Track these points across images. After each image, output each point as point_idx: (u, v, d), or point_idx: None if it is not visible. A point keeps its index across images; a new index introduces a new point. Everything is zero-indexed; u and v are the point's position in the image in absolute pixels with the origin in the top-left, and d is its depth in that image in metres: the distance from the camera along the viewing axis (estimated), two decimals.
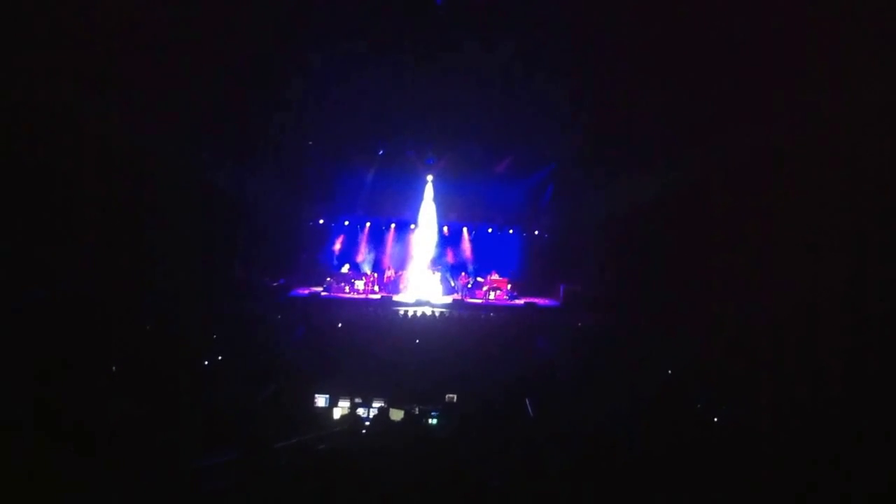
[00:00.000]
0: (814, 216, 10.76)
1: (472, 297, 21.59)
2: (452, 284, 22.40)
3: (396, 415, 7.49)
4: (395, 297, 20.90)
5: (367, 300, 20.60)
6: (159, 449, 5.78)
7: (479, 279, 22.56)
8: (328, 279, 21.88)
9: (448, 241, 24.02)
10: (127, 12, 11.39)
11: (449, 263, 23.46)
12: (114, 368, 8.86)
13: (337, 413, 8.14)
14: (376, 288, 22.08)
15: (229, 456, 5.78)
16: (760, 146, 12.09)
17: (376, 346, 11.51)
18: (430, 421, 7.74)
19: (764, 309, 11.49)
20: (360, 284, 21.74)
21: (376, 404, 8.00)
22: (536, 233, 24.29)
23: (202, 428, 6.62)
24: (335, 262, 23.26)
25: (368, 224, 24.17)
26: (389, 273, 22.86)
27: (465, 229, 24.27)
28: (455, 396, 8.51)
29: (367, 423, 7.66)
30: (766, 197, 12.07)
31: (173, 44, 12.43)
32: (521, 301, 21.04)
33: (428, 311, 18.00)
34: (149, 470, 5.37)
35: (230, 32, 12.79)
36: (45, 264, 12.31)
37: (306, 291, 21.12)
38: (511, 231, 24.44)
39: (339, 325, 14.34)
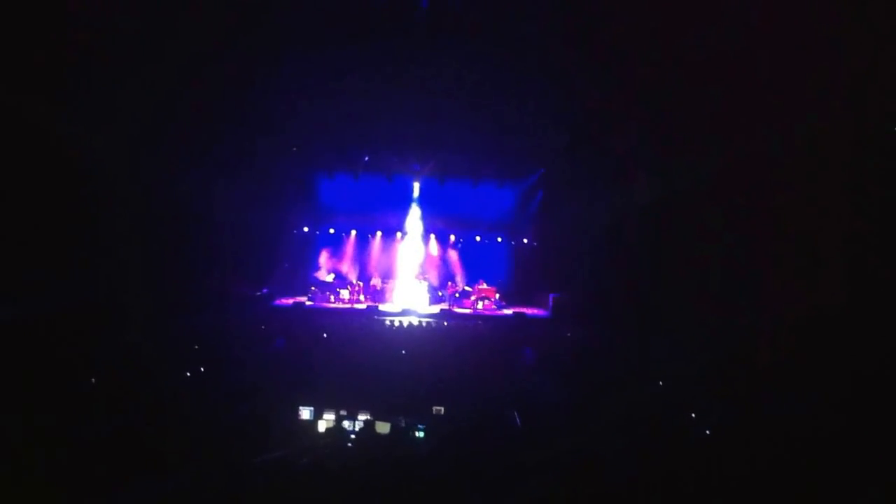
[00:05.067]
0: (810, 222, 10.74)
1: (459, 307, 21.44)
2: (440, 294, 22.25)
3: (382, 428, 7.36)
4: (381, 307, 20.69)
5: (352, 310, 20.41)
6: (136, 464, 5.61)
7: (466, 288, 22.42)
8: (312, 288, 21.67)
9: (435, 249, 23.91)
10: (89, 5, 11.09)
11: (436, 272, 23.32)
12: (92, 380, 8.69)
13: (322, 426, 7.96)
14: (362, 297, 21.90)
15: (210, 471, 5.62)
16: (755, 150, 12.07)
17: (362, 357, 11.36)
18: (416, 434, 7.61)
19: (759, 317, 11.45)
20: (345, 294, 21.56)
21: (362, 417, 7.85)
22: (525, 241, 24.20)
23: (181, 442, 6.45)
24: (320, 271, 23.05)
25: (354, 232, 23.99)
26: (375, 282, 22.68)
27: (452, 237, 24.15)
28: (442, 409, 8.39)
29: (353, 437, 7.51)
30: (761, 202, 12.05)
31: (149, 48, 12.20)
32: (509, 311, 20.90)
33: (415, 320, 17.85)
34: (126, 486, 5.21)
35: (206, 36, 12.57)
36: (20, 277, 12.05)
37: (290, 301, 20.88)
38: (499, 239, 24.35)
39: (324, 335, 14.16)
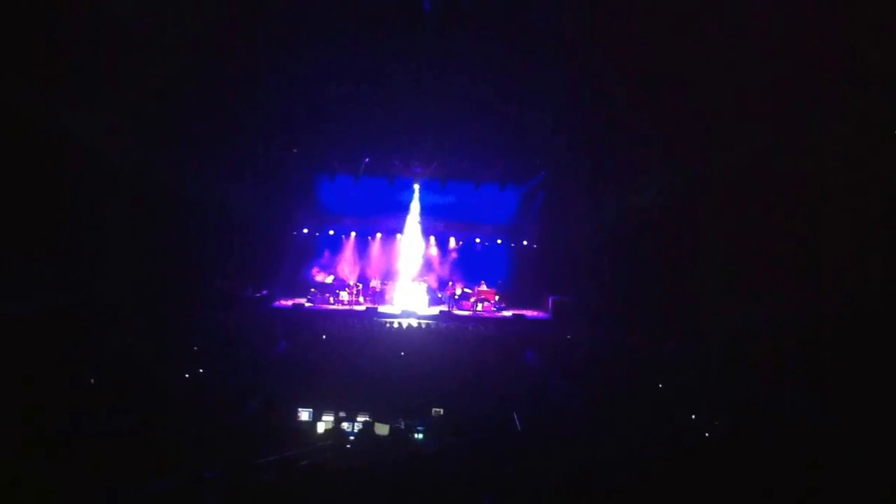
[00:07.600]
0: (809, 224, 10.75)
1: (459, 309, 21.39)
2: (439, 295, 22.21)
3: (381, 429, 7.33)
4: (381, 308, 20.66)
5: (351, 311, 20.38)
6: (136, 464, 5.60)
7: (466, 290, 22.38)
8: (312, 290, 21.63)
9: (435, 251, 23.88)
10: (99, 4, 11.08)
11: (435, 274, 23.29)
12: (92, 381, 8.67)
13: (321, 427, 7.93)
14: (361, 299, 21.87)
15: (211, 472, 5.60)
16: (754, 153, 12.08)
17: (361, 359, 11.34)
18: (416, 435, 7.58)
19: (759, 318, 11.45)
20: (344, 295, 21.53)
21: (361, 418, 7.81)
22: (525, 243, 24.18)
23: (180, 443, 6.44)
24: (320, 272, 23.02)
25: (353, 233, 23.96)
26: (374, 283, 22.65)
27: (452, 239, 24.13)
28: (442, 410, 8.36)
29: (352, 438, 7.48)
30: (761, 204, 12.05)
31: (158, 48, 12.19)
32: (509, 313, 20.88)
33: (414, 322, 17.80)
34: (129, 486, 5.21)
35: (213, 36, 12.57)
36: (25, 275, 12.07)
37: (290, 303, 20.85)
38: (499, 241, 24.32)
39: (324, 336, 14.13)
